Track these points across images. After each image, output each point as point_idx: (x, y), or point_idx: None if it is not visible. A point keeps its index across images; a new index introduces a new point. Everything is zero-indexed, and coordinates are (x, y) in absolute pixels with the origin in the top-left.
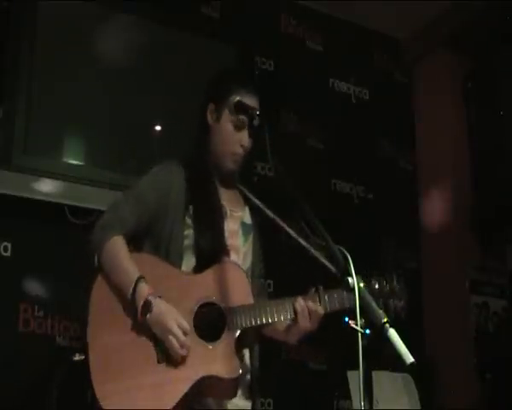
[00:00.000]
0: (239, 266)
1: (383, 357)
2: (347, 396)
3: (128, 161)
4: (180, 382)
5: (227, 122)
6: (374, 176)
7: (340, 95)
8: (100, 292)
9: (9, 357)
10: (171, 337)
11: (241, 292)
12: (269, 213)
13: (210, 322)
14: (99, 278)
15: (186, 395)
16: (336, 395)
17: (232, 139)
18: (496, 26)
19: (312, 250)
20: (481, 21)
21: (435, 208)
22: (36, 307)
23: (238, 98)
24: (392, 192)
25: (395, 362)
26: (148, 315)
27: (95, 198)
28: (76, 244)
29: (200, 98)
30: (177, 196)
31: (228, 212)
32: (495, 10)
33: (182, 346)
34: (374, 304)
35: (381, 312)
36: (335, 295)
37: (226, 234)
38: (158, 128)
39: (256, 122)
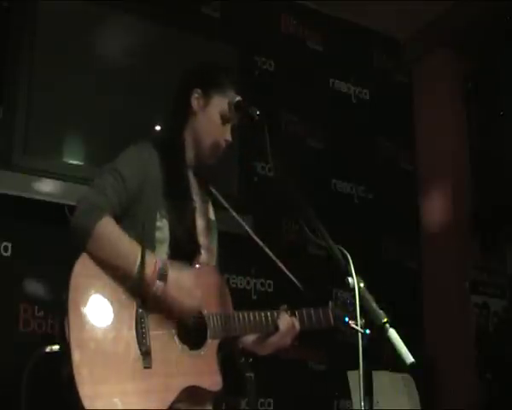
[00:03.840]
0: (218, 270)
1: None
2: (347, 396)
3: None
4: (167, 390)
5: (215, 112)
6: (374, 176)
7: (340, 95)
8: (81, 279)
9: (9, 357)
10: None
11: (221, 299)
12: (235, 215)
13: (191, 328)
14: (80, 263)
15: (172, 403)
16: (336, 395)
17: (218, 131)
18: (496, 26)
19: (280, 265)
20: (481, 21)
21: (435, 208)
22: (36, 307)
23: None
24: (392, 192)
25: (395, 362)
26: (161, 284)
27: None
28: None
29: (181, 82)
30: (152, 183)
31: (197, 208)
32: (495, 10)
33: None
34: (374, 304)
35: (381, 312)
36: (305, 314)
37: (197, 231)
38: (158, 128)
39: (257, 120)
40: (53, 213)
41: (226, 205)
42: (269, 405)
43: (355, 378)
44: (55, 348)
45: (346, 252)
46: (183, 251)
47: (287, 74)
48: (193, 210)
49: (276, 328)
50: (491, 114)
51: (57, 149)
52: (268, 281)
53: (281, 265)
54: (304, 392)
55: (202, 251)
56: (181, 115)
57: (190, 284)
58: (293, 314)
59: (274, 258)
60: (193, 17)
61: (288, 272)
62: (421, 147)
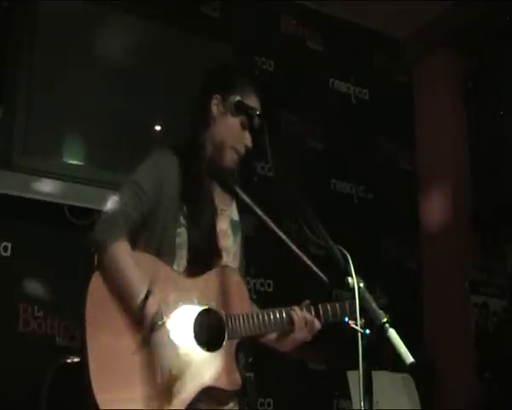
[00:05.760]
0: (236, 271)
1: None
2: (347, 396)
3: (128, 160)
4: (185, 392)
5: (235, 117)
6: (374, 176)
7: (339, 95)
8: (98, 291)
9: (9, 357)
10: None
11: (239, 299)
12: (261, 214)
13: (209, 328)
14: (96, 277)
15: (189, 404)
16: (336, 395)
17: (238, 136)
18: (496, 26)
19: (304, 257)
20: (481, 21)
21: (435, 208)
22: (36, 307)
23: (238, 98)
24: (392, 192)
25: (395, 362)
26: (154, 333)
27: (94, 198)
28: (76, 244)
29: (201, 86)
30: (170, 189)
31: (219, 211)
32: (495, 10)
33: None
34: (374, 304)
35: (380, 312)
36: (329, 308)
37: (217, 235)
38: (158, 128)
39: (256, 122)
40: (53, 213)
41: (251, 204)
42: (269, 405)
43: (355, 378)
44: (76, 359)
45: (345, 252)
46: (202, 256)
47: (287, 74)
48: (213, 214)
49: (293, 324)
50: (491, 114)
51: (57, 149)
52: (268, 281)
53: (306, 259)
54: (304, 392)
55: (223, 254)
56: (201, 120)
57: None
58: (309, 309)
59: (300, 253)
60: (192, 17)
61: (312, 266)
62: (421, 147)
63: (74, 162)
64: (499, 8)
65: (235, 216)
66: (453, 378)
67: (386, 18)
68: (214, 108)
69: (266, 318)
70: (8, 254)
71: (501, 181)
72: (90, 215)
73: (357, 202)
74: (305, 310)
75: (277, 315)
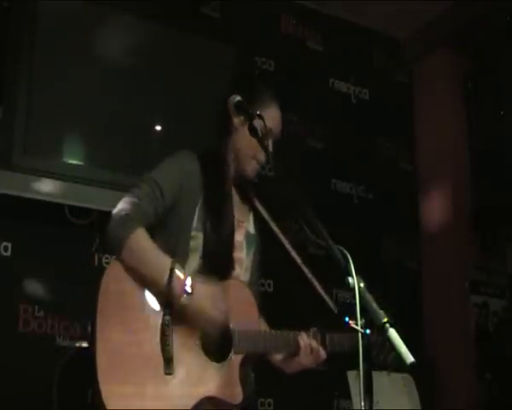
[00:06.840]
0: (246, 285)
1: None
2: (347, 396)
3: (128, 160)
4: (187, 398)
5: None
6: (374, 176)
7: (339, 95)
8: (111, 284)
9: (9, 357)
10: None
11: (249, 315)
12: (276, 230)
13: (217, 340)
14: (109, 272)
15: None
16: (336, 395)
17: (258, 146)
18: (496, 26)
19: (315, 282)
20: (481, 21)
21: (435, 208)
22: (36, 307)
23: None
24: (392, 192)
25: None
26: (188, 298)
27: (94, 198)
28: (76, 244)
29: (225, 94)
30: (189, 192)
31: (236, 222)
32: (495, 10)
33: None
34: (374, 304)
35: (381, 312)
36: (336, 338)
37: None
38: (158, 128)
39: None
40: (53, 213)
41: (267, 218)
42: (269, 405)
43: (355, 378)
44: (84, 345)
45: (346, 252)
46: (216, 265)
47: (287, 74)
48: (232, 224)
49: (299, 348)
50: (491, 114)
51: (57, 149)
52: (268, 281)
53: (317, 284)
54: (304, 392)
55: (236, 265)
56: (224, 129)
57: (217, 298)
58: (316, 337)
59: (310, 275)
60: (192, 17)
61: (323, 293)
62: (421, 147)
63: (74, 162)
64: (499, 8)
65: (252, 229)
66: (453, 378)
67: (386, 18)
68: (236, 118)
69: (273, 337)
70: (8, 254)
71: (501, 181)
72: (90, 215)
73: (357, 201)
74: (311, 337)
75: (284, 337)
